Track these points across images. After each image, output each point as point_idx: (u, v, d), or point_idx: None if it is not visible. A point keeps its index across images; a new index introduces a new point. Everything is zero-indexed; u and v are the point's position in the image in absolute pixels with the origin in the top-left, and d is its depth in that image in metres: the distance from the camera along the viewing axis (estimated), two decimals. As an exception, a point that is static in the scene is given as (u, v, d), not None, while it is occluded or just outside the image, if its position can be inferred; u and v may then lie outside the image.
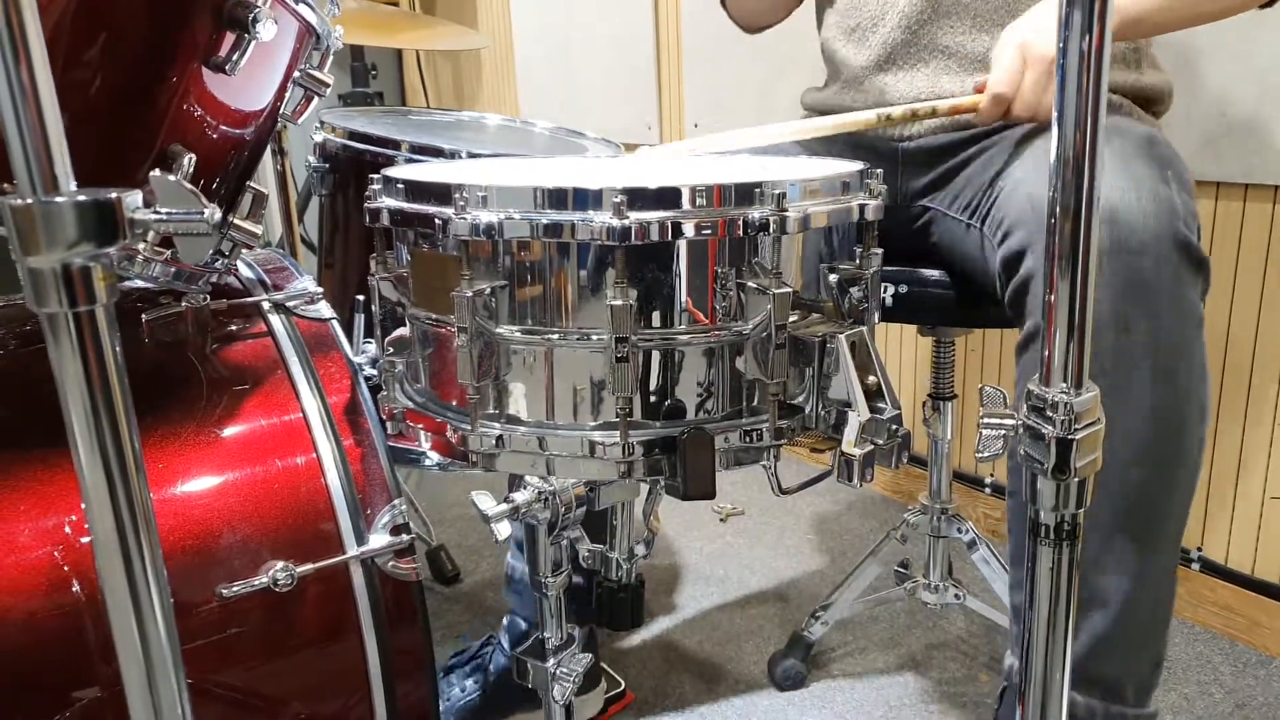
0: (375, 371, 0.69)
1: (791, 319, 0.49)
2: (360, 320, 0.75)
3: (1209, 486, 1.16)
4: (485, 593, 1.28)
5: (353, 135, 0.95)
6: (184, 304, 0.69)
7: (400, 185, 0.52)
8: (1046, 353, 0.44)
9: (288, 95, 0.72)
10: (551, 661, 0.65)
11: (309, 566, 0.60)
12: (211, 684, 0.59)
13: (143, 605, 0.38)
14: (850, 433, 0.47)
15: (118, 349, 0.36)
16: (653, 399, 0.49)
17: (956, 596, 1.06)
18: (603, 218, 0.46)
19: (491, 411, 0.51)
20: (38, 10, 0.33)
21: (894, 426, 0.47)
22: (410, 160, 0.90)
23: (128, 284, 0.69)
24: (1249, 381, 1.10)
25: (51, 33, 0.47)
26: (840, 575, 1.16)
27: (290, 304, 0.74)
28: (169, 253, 0.58)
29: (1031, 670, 0.47)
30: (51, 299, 0.35)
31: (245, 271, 0.79)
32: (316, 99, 0.74)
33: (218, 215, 0.44)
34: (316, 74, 0.72)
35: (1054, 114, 0.41)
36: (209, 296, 0.70)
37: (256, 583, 0.59)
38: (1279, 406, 1.09)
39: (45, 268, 0.34)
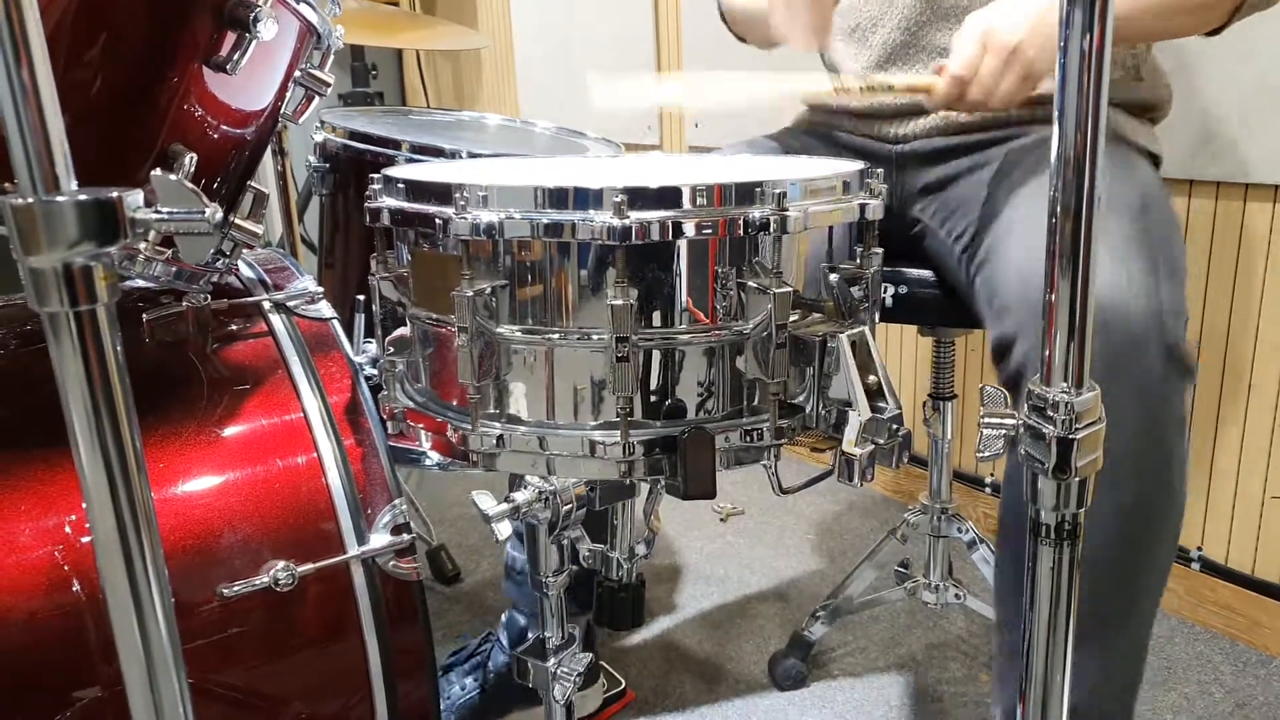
0: (376, 371, 0.69)
1: (792, 318, 0.49)
2: (361, 320, 0.75)
3: (1209, 486, 1.16)
4: (486, 592, 1.28)
5: (353, 135, 0.95)
6: (185, 303, 0.69)
7: (401, 185, 0.52)
8: (1047, 353, 0.44)
9: (288, 95, 0.72)
10: (552, 661, 0.65)
11: (310, 566, 0.60)
12: (212, 684, 0.59)
13: (144, 605, 0.38)
14: (851, 432, 0.47)
15: (119, 348, 0.36)
16: (653, 398, 0.49)
17: (957, 596, 1.06)
18: (603, 217, 0.46)
19: (492, 411, 0.51)
20: (39, 10, 0.33)
21: (895, 426, 0.47)
22: (410, 160, 0.90)
23: (128, 283, 0.69)
24: (1249, 381, 1.10)
25: (52, 32, 0.47)
26: (840, 575, 1.16)
27: (291, 304, 0.74)
28: (170, 252, 0.58)
29: (1032, 670, 0.47)
30: (53, 298, 0.35)
31: (246, 271, 0.79)
32: (317, 99, 0.74)
33: (219, 215, 0.44)
34: (317, 73, 0.72)
35: (1055, 113, 0.41)
36: (210, 296, 0.70)
37: (257, 582, 0.59)
38: (1279, 406, 1.09)
39: (46, 267, 0.34)
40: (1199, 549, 1.18)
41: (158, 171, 0.48)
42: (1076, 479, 0.43)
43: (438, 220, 0.48)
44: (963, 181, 0.85)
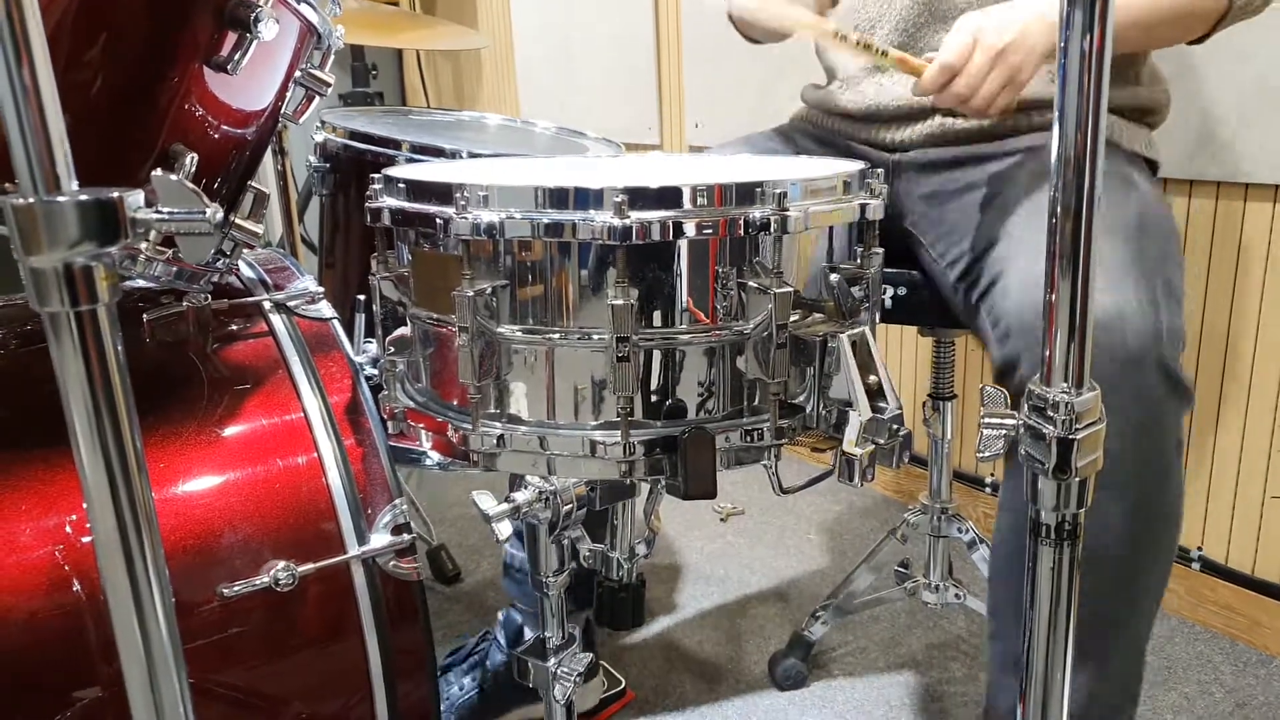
0: (376, 371, 0.69)
1: (793, 318, 0.49)
2: (361, 320, 0.75)
3: (1209, 486, 1.16)
4: (486, 592, 1.28)
5: (354, 135, 0.95)
6: (185, 303, 0.69)
7: (401, 185, 0.52)
8: (1048, 353, 0.44)
9: (289, 95, 0.72)
10: (552, 661, 0.65)
11: (310, 566, 0.60)
12: (213, 684, 0.59)
13: (144, 605, 0.38)
14: (851, 432, 0.47)
15: (120, 348, 0.36)
16: (654, 398, 0.49)
17: (957, 596, 1.06)
18: (604, 217, 0.46)
19: (492, 411, 0.51)
20: (39, 10, 0.33)
21: (895, 426, 0.48)
22: (411, 160, 0.90)
23: (129, 283, 0.69)
24: (1249, 381, 1.10)
25: (53, 33, 0.47)
26: (841, 575, 1.17)
27: (291, 304, 0.74)
28: (170, 252, 0.58)
29: (1032, 671, 0.47)
30: (53, 298, 0.35)
31: (246, 271, 0.79)
32: (317, 99, 0.74)
33: (219, 215, 0.44)
34: (318, 73, 0.72)
35: (1055, 114, 0.41)
36: (210, 296, 0.70)
37: (258, 582, 0.59)
38: (1278, 406, 1.09)
39: (47, 267, 0.34)
40: (1199, 549, 1.18)
41: (158, 171, 0.48)
42: (1076, 479, 0.44)
43: (438, 220, 0.49)
44: (955, 203, 0.84)
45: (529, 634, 0.97)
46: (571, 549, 0.64)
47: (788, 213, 0.47)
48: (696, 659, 1.13)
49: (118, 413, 0.37)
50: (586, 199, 0.46)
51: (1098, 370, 0.62)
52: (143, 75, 0.57)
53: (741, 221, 0.47)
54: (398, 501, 0.65)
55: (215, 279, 0.71)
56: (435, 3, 2.48)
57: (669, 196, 0.46)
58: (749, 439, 0.50)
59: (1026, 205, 0.77)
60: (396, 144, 0.91)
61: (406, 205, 0.52)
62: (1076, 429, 0.43)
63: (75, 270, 0.35)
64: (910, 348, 1.52)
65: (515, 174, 0.57)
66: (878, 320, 0.55)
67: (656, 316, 0.49)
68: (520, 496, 0.60)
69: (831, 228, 0.53)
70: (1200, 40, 0.80)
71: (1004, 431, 0.45)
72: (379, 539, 0.63)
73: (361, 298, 0.74)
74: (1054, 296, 0.43)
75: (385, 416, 0.57)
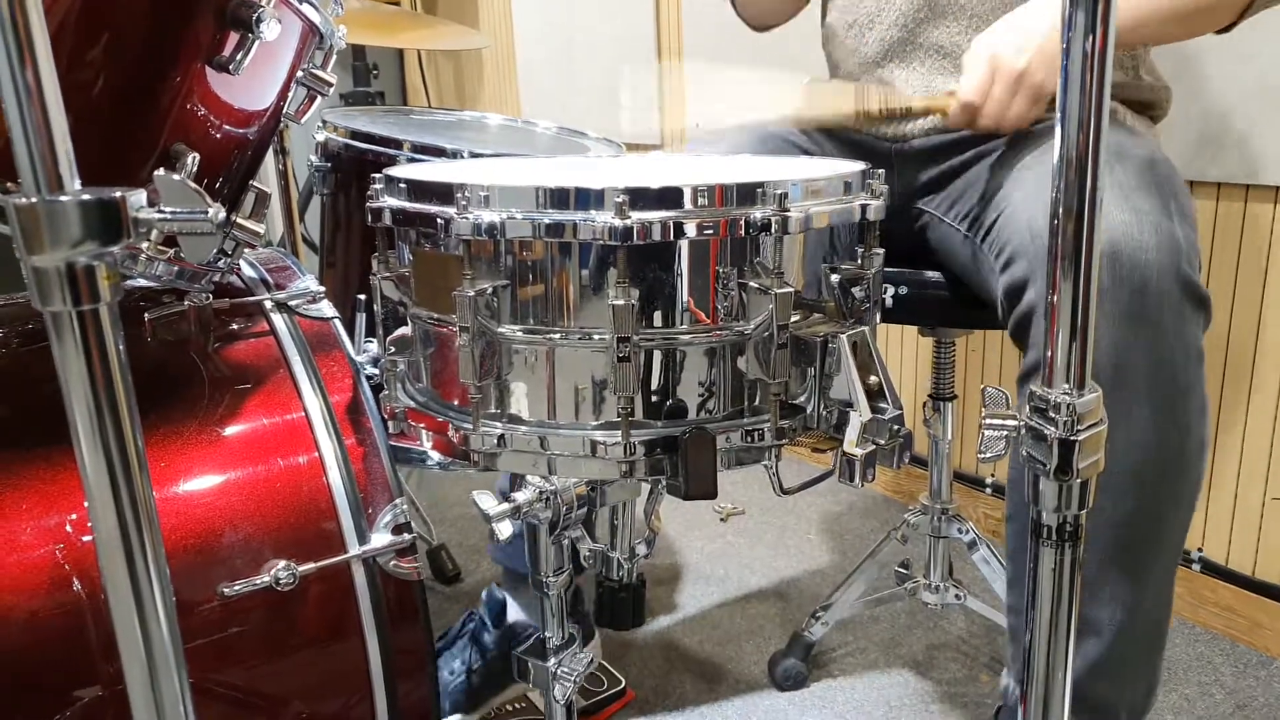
0: (377, 371, 0.69)
1: (793, 319, 0.49)
2: (362, 319, 0.75)
3: (1210, 487, 1.16)
4: (486, 592, 1.28)
5: (355, 135, 0.95)
6: (187, 303, 0.70)
7: (403, 185, 0.52)
8: (1049, 354, 0.44)
9: (291, 95, 0.72)
10: (552, 661, 0.65)
11: (311, 565, 0.60)
12: (213, 683, 0.59)
13: (145, 604, 0.38)
14: (852, 433, 0.47)
15: (121, 348, 0.36)
16: (654, 399, 0.49)
17: (957, 597, 1.06)
18: (605, 217, 0.46)
19: (493, 411, 0.51)
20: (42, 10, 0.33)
21: (895, 426, 0.48)
22: (412, 160, 0.90)
23: (130, 282, 0.70)
24: (1249, 382, 1.10)
25: (55, 32, 0.47)
26: (841, 575, 1.17)
27: (292, 303, 0.74)
28: (172, 251, 0.58)
29: (1033, 672, 0.47)
30: (56, 298, 0.35)
31: (248, 271, 0.79)
32: (319, 98, 0.74)
33: (221, 214, 0.44)
34: (320, 73, 0.72)
35: (1057, 114, 0.41)
36: (211, 295, 0.71)
37: (258, 582, 0.59)
38: (1279, 407, 1.09)
39: (49, 266, 0.34)
40: (1200, 550, 1.18)
41: (160, 171, 0.48)
42: (1078, 480, 0.44)
43: (439, 220, 0.49)
44: (965, 173, 0.85)
45: (512, 610, 0.96)
46: (572, 549, 0.64)
47: (788, 213, 0.47)
48: (696, 659, 1.13)
49: (119, 412, 0.37)
50: (587, 199, 0.46)
51: (1116, 280, 0.62)
52: (145, 75, 0.57)
53: (742, 222, 0.47)
54: (398, 501, 0.65)
55: (217, 278, 0.71)
56: (436, 3, 2.48)
57: (670, 197, 0.46)
58: (749, 439, 0.50)
59: (1030, 157, 0.78)
60: (397, 144, 0.91)
61: (407, 205, 0.52)
62: (1078, 430, 0.43)
63: (77, 270, 0.35)
64: (911, 348, 1.52)
65: (516, 174, 0.57)
66: (878, 321, 0.55)
67: (657, 317, 0.49)
68: (520, 496, 0.60)
69: (832, 228, 0.53)
70: (1229, 28, 0.80)
71: (1005, 432, 0.45)
72: (379, 538, 0.63)
73: (362, 297, 0.74)
74: (1055, 298, 0.43)
75: (386, 416, 0.57)
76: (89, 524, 0.51)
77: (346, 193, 0.99)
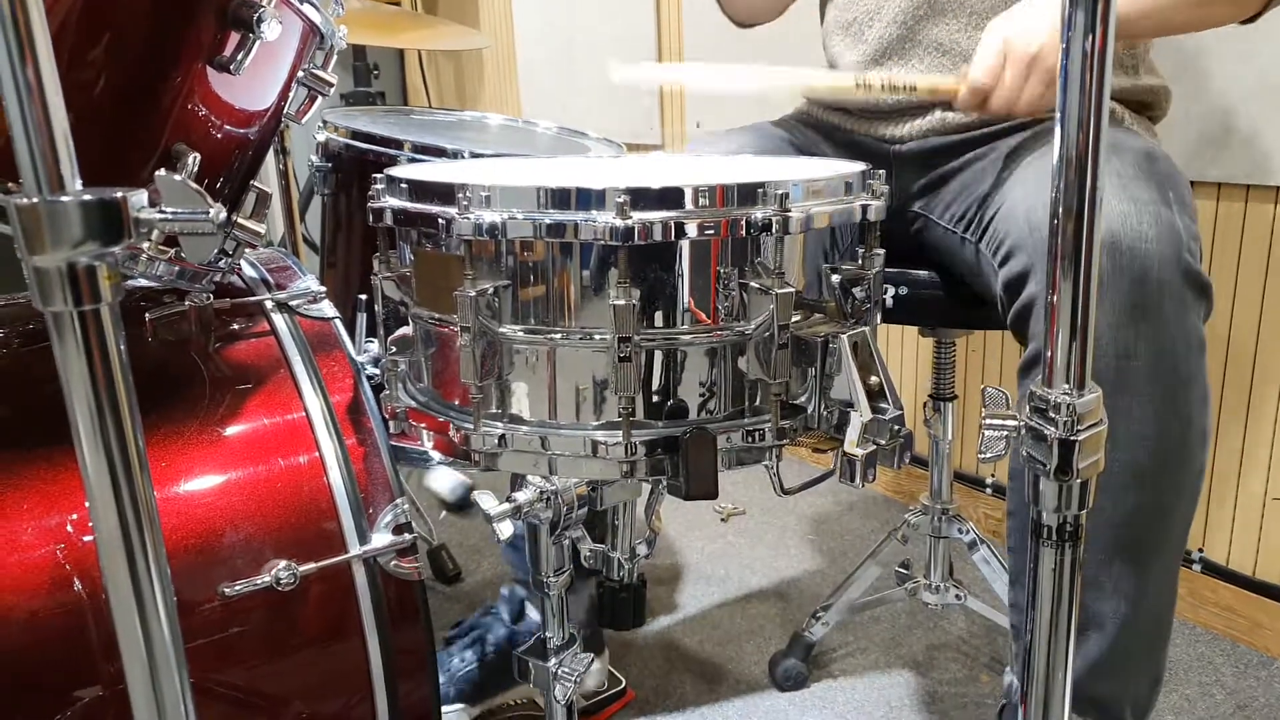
0: (378, 371, 0.69)
1: (794, 319, 0.49)
2: (363, 319, 0.75)
3: (1210, 487, 1.16)
4: (486, 591, 1.29)
5: (355, 135, 0.95)
6: (187, 303, 0.70)
7: (404, 185, 0.52)
8: (1049, 354, 0.44)
9: (291, 95, 0.72)
10: (553, 661, 0.65)
11: (311, 565, 0.60)
12: (214, 683, 0.59)
13: (146, 604, 0.38)
14: (853, 433, 0.47)
15: (122, 347, 0.36)
16: (655, 399, 0.49)
17: (957, 597, 1.06)
18: (606, 218, 0.46)
19: (494, 411, 0.51)
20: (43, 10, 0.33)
21: (896, 427, 0.48)
22: (413, 160, 0.90)
23: (131, 282, 0.70)
24: (1250, 382, 1.10)
25: (56, 32, 0.47)
26: (841, 575, 1.17)
27: (293, 303, 0.74)
28: (173, 251, 0.58)
29: (1034, 672, 0.48)
30: (57, 298, 0.35)
31: (248, 271, 0.79)
32: (320, 98, 0.74)
33: (223, 215, 0.44)
34: (320, 73, 0.72)
35: (1057, 114, 0.41)
36: (212, 295, 0.71)
37: (259, 582, 0.59)
38: (1279, 408, 1.09)
39: (51, 266, 0.34)
40: (1200, 550, 1.17)
41: (162, 171, 0.48)
42: (1078, 480, 0.44)
43: (441, 220, 0.49)
44: (961, 175, 0.85)
45: (530, 610, 0.97)
46: (572, 549, 0.64)
47: (789, 213, 0.47)
48: (697, 659, 1.13)
49: (120, 412, 0.37)
50: (589, 199, 0.46)
51: (1116, 271, 0.62)
52: (146, 75, 0.57)
53: (743, 222, 0.47)
54: (399, 501, 0.65)
55: (217, 278, 0.71)
56: (437, 3, 2.48)
57: (671, 197, 0.46)
58: (750, 439, 0.50)
59: (1027, 155, 0.78)
60: (398, 144, 0.91)
61: (409, 205, 0.52)
62: (1078, 430, 0.43)
63: (79, 270, 0.35)
64: (911, 348, 1.52)
65: (517, 174, 0.57)
66: (879, 321, 0.55)
67: (658, 317, 0.49)
68: (521, 496, 0.60)
69: (833, 228, 0.53)
70: (1253, 19, 0.79)
71: (1005, 432, 0.45)
72: (380, 538, 0.63)
73: (363, 297, 0.74)
74: (1055, 298, 0.43)
75: (387, 416, 0.57)
76: (90, 524, 0.51)
77: (347, 193, 0.99)
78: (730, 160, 0.70)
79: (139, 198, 0.36)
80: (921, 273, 0.89)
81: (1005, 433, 0.45)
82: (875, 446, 0.47)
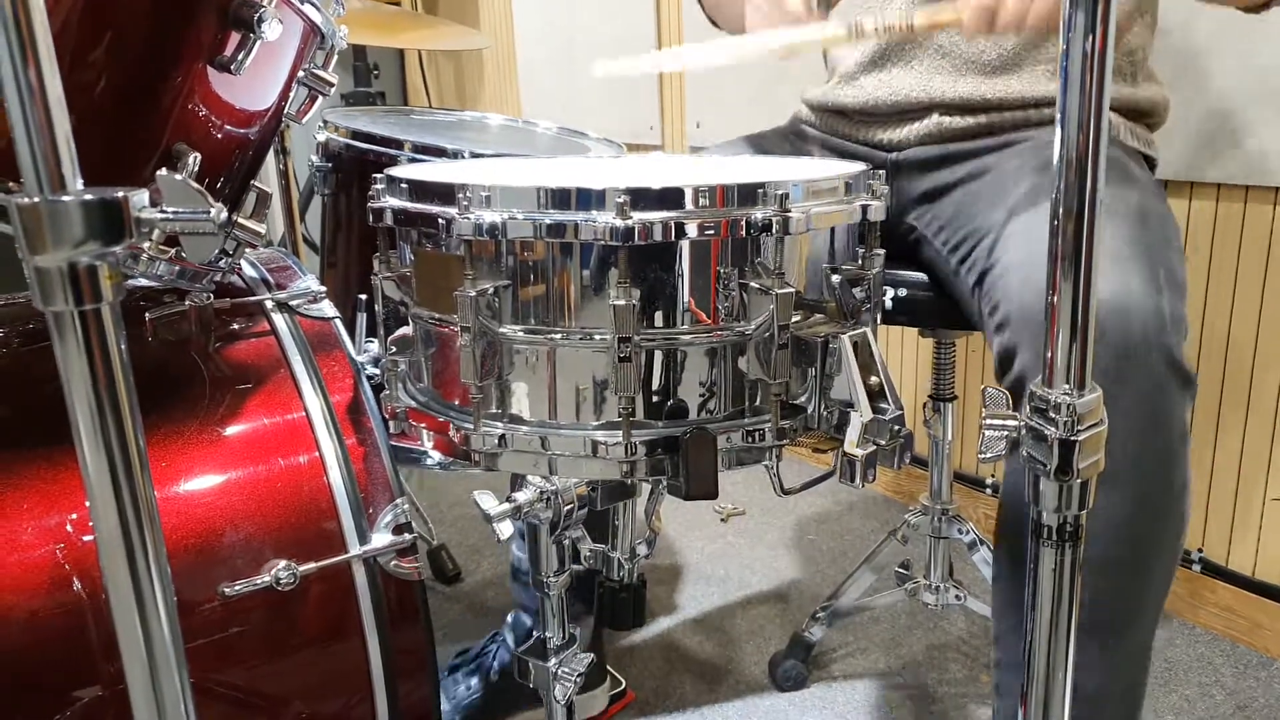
0: (378, 370, 0.69)
1: (794, 319, 0.49)
2: (363, 319, 0.75)
3: (1210, 488, 1.16)
4: (486, 592, 1.29)
5: (356, 135, 0.95)
6: (188, 302, 0.70)
7: (404, 185, 0.52)
8: (1049, 355, 0.44)
9: (292, 95, 0.72)
10: (553, 661, 0.65)
11: (311, 565, 0.60)
12: (213, 683, 0.59)
13: (146, 603, 0.38)
14: (853, 433, 0.47)
15: (123, 347, 0.37)
16: (655, 399, 0.49)
17: (957, 597, 1.06)
18: (606, 218, 0.46)
19: (494, 411, 0.51)
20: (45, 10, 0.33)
21: (896, 427, 0.48)
22: (413, 160, 0.90)
23: (131, 282, 0.70)
24: (1249, 383, 1.10)
25: (58, 32, 0.47)
26: (841, 575, 1.17)
27: (293, 303, 0.74)
28: (174, 251, 0.58)
29: (1033, 673, 0.48)
30: (58, 297, 0.35)
31: (249, 270, 0.79)
32: (320, 98, 0.74)
33: (224, 215, 0.44)
34: (321, 73, 0.73)
35: (1057, 116, 0.41)
36: (212, 295, 0.71)
37: (259, 581, 0.59)
38: (1279, 407, 1.09)
39: (52, 266, 0.34)
40: (1200, 550, 1.18)
41: (163, 171, 0.48)
42: (1078, 481, 0.44)
43: (441, 220, 0.49)
44: (957, 192, 0.84)
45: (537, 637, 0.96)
46: (572, 549, 0.64)
47: (789, 214, 0.47)
48: (697, 659, 1.13)
49: (121, 412, 0.37)
50: (589, 199, 0.46)
51: (1100, 358, 0.61)
52: (147, 75, 0.57)
53: (743, 222, 0.47)
54: (399, 501, 0.65)
55: (218, 278, 0.71)
56: (437, 3, 2.48)
57: (671, 197, 0.46)
58: (750, 439, 0.50)
59: (1026, 191, 0.76)
60: (398, 144, 0.91)
61: (409, 205, 0.52)
62: (1078, 430, 0.43)
63: (80, 270, 0.35)
64: (911, 349, 1.52)
65: (517, 174, 0.57)
66: (879, 321, 0.55)
67: (658, 317, 0.49)
68: (521, 496, 0.60)
69: (833, 229, 0.53)
70: (1262, 8, 0.77)
71: (1005, 433, 0.45)
72: (380, 538, 0.63)
73: (363, 297, 0.74)
74: (1055, 298, 0.43)
75: (387, 416, 0.57)
76: (90, 523, 0.51)
77: (347, 193, 0.99)
78: (730, 161, 0.70)
79: (140, 197, 0.36)
80: (919, 275, 0.89)
81: (1005, 433, 0.45)
82: (875, 447, 0.47)
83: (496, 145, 1.05)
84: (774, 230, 0.47)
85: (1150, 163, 0.88)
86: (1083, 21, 0.39)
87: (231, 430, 0.64)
